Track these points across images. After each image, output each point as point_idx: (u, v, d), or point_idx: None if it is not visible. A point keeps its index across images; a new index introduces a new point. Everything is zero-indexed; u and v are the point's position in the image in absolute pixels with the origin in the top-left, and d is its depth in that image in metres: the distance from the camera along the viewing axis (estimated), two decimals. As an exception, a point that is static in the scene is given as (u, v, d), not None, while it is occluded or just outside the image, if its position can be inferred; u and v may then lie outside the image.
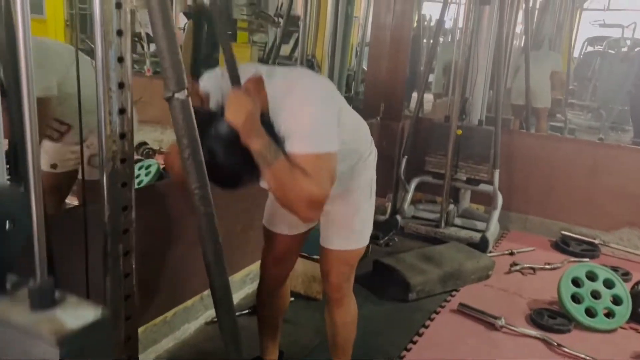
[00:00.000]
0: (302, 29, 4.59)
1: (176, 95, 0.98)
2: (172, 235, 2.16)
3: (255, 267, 2.71)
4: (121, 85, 1.13)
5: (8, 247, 0.79)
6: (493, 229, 3.66)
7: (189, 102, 1.02)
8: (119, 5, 1.08)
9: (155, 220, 2.05)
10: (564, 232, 3.83)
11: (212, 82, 1.44)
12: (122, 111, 1.14)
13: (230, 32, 1.38)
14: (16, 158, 1.08)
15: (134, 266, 1.26)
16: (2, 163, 1.05)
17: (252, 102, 1.29)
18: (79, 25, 4.75)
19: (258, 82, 1.40)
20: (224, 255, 1.22)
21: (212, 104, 1.38)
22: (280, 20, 6.24)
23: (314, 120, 1.37)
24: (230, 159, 1.30)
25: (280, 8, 6.91)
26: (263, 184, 1.52)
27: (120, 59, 1.12)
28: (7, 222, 0.77)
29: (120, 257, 1.22)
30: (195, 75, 1.43)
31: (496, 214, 3.70)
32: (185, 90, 0.99)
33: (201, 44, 1.38)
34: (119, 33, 1.09)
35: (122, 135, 1.16)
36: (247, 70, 1.42)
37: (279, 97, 1.39)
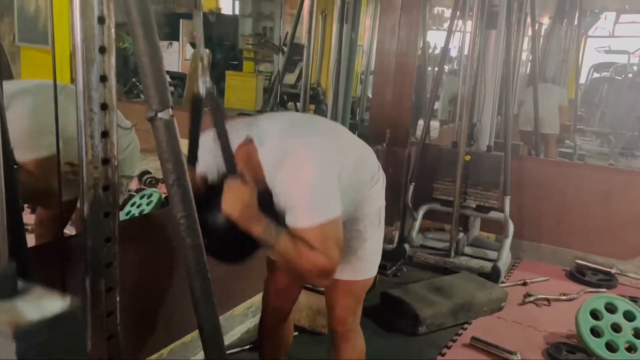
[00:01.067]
0: (306, 58, 4.59)
1: (159, 115, 0.90)
2: (167, 267, 2.05)
3: (257, 299, 2.59)
4: (104, 107, 1.05)
5: None
6: (505, 258, 3.53)
7: (174, 122, 0.93)
8: (101, 20, 1.00)
9: (148, 252, 1.95)
10: (578, 261, 3.69)
11: (207, 156, 1.39)
12: (104, 134, 1.06)
13: (223, 115, 1.39)
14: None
15: (117, 303, 1.15)
16: None
17: (248, 191, 1.28)
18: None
19: (250, 152, 1.38)
20: (212, 292, 1.11)
21: (210, 177, 1.38)
22: (285, 49, 6.27)
23: (312, 192, 1.33)
24: (233, 242, 1.30)
25: (286, 38, 6.95)
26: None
27: (103, 78, 1.04)
28: None
29: (103, 293, 1.12)
30: (192, 163, 1.39)
31: (508, 243, 3.57)
32: (170, 110, 0.91)
33: (198, 133, 1.33)
34: (102, 50, 1.02)
35: (105, 161, 1.07)
36: (237, 130, 1.39)
37: (273, 168, 1.36)
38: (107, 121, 1.06)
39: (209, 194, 1.30)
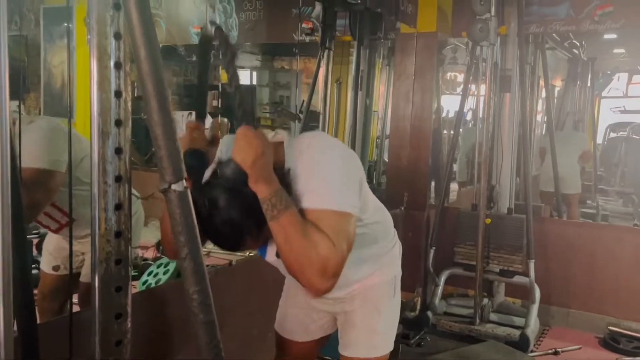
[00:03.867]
0: (322, 124, 4.65)
1: (173, 186, 0.88)
2: (181, 343, 1.98)
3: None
4: (118, 179, 1.04)
5: None
6: (533, 325, 3.37)
7: (188, 194, 0.91)
8: (118, 94, 1.01)
9: (164, 326, 1.89)
10: (611, 328, 3.51)
11: (226, 147, 1.28)
12: (118, 207, 1.04)
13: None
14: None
15: (127, 384, 1.09)
16: None
17: (263, 143, 1.14)
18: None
19: (275, 139, 1.29)
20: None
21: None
22: (301, 117, 6.39)
23: (334, 177, 1.22)
24: (234, 209, 1.14)
25: (302, 105, 7.11)
26: (270, 257, 1.35)
27: (119, 150, 1.03)
28: None
29: (112, 373, 1.06)
30: (201, 118, 1.33)
31: (535, 309, 3.43)
32: (183, 182, 0.89)
33: (207, 75, 1.28)
34: (118, 123, 1.02)
35: (118, 234, 1.05)
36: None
37: (297, 152, 1.25)
38: (121, 193, 1.05)
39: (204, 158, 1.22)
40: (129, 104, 1.05)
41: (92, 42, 1.01)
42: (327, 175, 1.22)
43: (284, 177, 1.20)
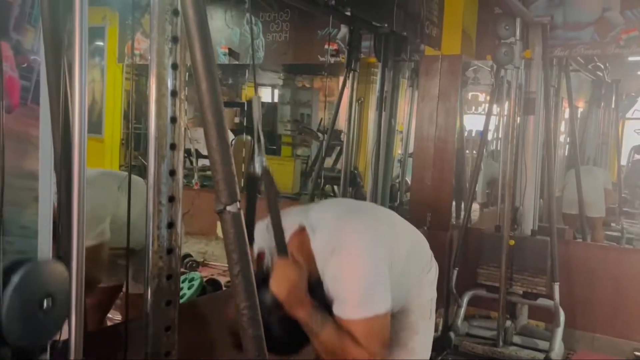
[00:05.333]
0: (345, 143, 4.72)
1: (228, 208, 0.95)
2: (217, 355, 2.03)
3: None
4: (171, 199, 1.11)
5: (43, 327, 0.72)
6: (557, 349, 3.35)
7: (241, 215, 0.98)
8: (173, 120, 1.08)
9: (199, 340, 1.94)
10: (637, 353, 3.46)
11: (263, 239, 1.41)
12: (170, 225, 1.11)
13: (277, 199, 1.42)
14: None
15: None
16: (49, 237, 1.00)
17: (297, 272, 1.27)
18: (133, 142, 5.02)
19: (303, 240, 1.38)
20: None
21: (266, 264, 1.37)
22: (322, 135, 6.46)
23: (361, 284, 1.32)
24: (280, 327, 1.27)
25: (322, 123, 7.19)
26: None
27: (172, 172, 1.10)
28: (45, 300, 0.71)
29: (160, 383, 1.12)
30: (250, 243, 1.42)
31: (559, 332, 3.40)
32: (237, 203, 0.96)
33: (254, 211, 1.37)
34: (172, 147, 1.09)
35: (170, 251, 1.12)
36: (290, 220, 1.39)
37: (324, 256, 1.35)
38: (173, 213, 1.12)
39: (260, 279, 1.29)
40: (183, 128, 1.12)
41: (150, 71, 1.09)
42: (355, 283, 1.32)
43: (319, 287, 1.32)
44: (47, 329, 0.73)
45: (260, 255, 1.38)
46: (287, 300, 1.24)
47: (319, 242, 1.38)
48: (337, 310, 1.30)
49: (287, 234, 1.35)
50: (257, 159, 1.25)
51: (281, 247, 1.30)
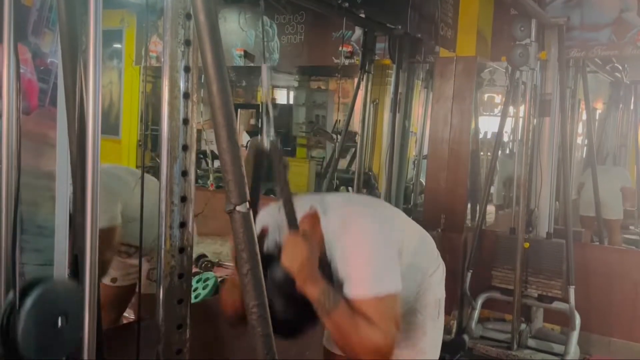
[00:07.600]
0: (359, 144, 4.73)
1: (237, 208, 0.96)
2: (228, 355, 2.05)
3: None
4: (183, 199, 1.13)
5: (57, 346, 0.73)
6: (573, 353, 3.31)
7: (250, 215, 1.00)
8: (185, 122, 1.11)
9: (211, 339, 1.96)
10: (655, 358, 3.42)
11: (271, 218, 1.39)
12: (182, 225, 1.13)
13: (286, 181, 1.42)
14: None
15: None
16: (65, 257, 1.02)
17: (309, 247, 1.25)
18: (150, 143, 5.08)
19: (314, 221, 1.36)
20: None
21: (270, 242, 1.34)
22: (337, 136, 6.47)
23: (372, 262, 1.30)
24: (288, 306, 1.25)
25: (336, 125, 7.21)
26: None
27: (185, 173, 1.12)
28: (60, 318, 0.73)
29: (172, 380, 1.14)
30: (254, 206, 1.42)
31: (575, 336, 3.37)
32: (247, 204, 0.98)
33: (260, 179, 1.35)
34: (184, 148, 1.11)
35: (182, 250, 1.14)
36: (302, 203, 1.38)
37: (334, 236, 1.34)
38: (185, 212, 1.14)
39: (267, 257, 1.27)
40: (195, 130, 1.14)
41: (163, 74, 1.12)
42: (366, 263, 1.30)
43: (327, 267, 1.29)
44: (62, 347, 0.75)
45: (264, 231, 1.35)
46: (300, 275, 1.21)
47: (329, 222, 1.36)
48: (347, 290, 1.27)
49: (299, 215, 1.33)
50: (265, 132, 1.23)
51: (292, 222, 1.27)
